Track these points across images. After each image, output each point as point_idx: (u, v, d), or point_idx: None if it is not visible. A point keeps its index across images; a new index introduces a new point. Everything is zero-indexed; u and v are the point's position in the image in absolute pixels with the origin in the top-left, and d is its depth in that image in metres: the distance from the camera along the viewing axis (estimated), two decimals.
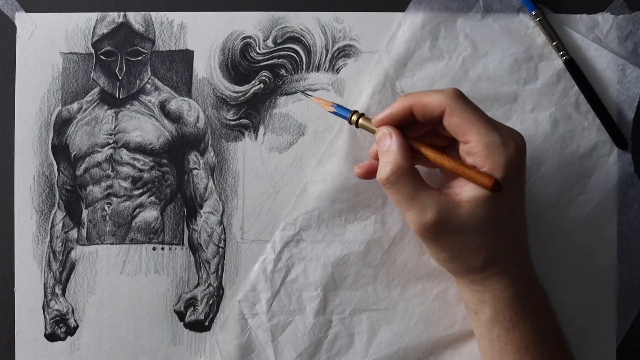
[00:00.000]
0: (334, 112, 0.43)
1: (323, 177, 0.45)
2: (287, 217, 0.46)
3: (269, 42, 0.47)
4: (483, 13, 0.47)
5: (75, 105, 0.47)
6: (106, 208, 0.47)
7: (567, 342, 0.42)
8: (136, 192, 0.47)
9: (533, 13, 0.46)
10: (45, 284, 0.46)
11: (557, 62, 0.47)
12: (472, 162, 0.37)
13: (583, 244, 0.46)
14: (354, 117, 0.41)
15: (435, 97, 0.37)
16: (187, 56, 0.47)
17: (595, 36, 0.47)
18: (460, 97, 0.37)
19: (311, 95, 0.46)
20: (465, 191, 0.37)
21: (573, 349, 0.45)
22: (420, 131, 0.40)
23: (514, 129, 0.39)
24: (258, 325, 0.45)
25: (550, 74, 0.46)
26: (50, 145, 0.47)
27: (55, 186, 0.47)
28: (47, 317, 0.46)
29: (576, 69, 0.46)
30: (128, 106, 0.47)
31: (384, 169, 0.37)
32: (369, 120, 0.40)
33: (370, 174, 0.42)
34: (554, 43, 0.46)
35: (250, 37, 0.47)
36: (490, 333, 0.40)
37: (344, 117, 0.42)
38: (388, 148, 0.38)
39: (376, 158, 0.41)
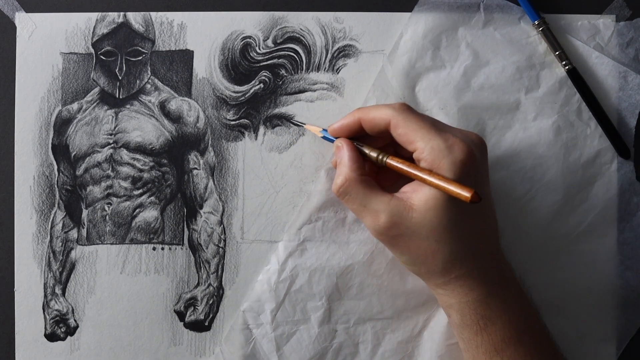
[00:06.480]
0: (323, 137, 0.44)
1: (327, 186, 0.45)
2: (291, 227, 0.46)
3: (269, 42, 0.47)
4: (484, 22, 0.46)
5: (75, 105, 0.47)
6: (106, 208, 0.47)
7: (550, 337, 0.41)
8: (136, 192, 0.47)
9: (535, 23, 0.46)
10: (45, 284, 0.46)
11: (559, 70, 0.46)
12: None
13: (585, 251, 0.46)
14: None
15: (381, 111, 0.39)
16: (187, 56, 0.47)
17: (596, 44, 0.46)
18: (405, 109, 0.38)
19: (303, 124, 0.47)
20: (417, 195, 0.37)
21: (574, 354, 0.45)
22: (381, 142, 0.41)
23: (470, 132, 0.39)
24: (263, 335, 0.45)
25: (552, 82, 0.46)
26: (50, 145, 0.47)
27: (55, 186, 0.47)
28: (47, 317, 0.46)
29: (578, 77, 0.46)
30: (128, 106, 0.47)
31: (336, 181, 0.40)
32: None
33: None
34: (557, 52, 0.46)
35: (250, 37, 0.47)
36: (462, 336, 0.40)
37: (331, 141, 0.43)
38: (341, 160, 0.40)
39: None
